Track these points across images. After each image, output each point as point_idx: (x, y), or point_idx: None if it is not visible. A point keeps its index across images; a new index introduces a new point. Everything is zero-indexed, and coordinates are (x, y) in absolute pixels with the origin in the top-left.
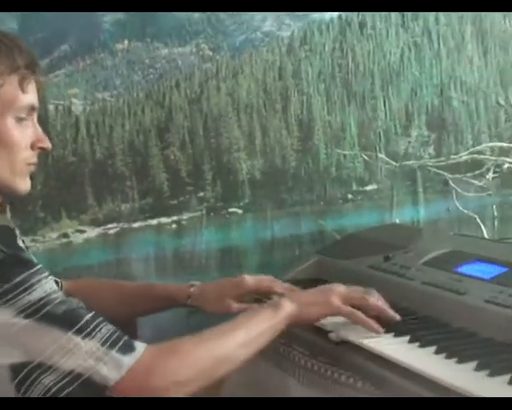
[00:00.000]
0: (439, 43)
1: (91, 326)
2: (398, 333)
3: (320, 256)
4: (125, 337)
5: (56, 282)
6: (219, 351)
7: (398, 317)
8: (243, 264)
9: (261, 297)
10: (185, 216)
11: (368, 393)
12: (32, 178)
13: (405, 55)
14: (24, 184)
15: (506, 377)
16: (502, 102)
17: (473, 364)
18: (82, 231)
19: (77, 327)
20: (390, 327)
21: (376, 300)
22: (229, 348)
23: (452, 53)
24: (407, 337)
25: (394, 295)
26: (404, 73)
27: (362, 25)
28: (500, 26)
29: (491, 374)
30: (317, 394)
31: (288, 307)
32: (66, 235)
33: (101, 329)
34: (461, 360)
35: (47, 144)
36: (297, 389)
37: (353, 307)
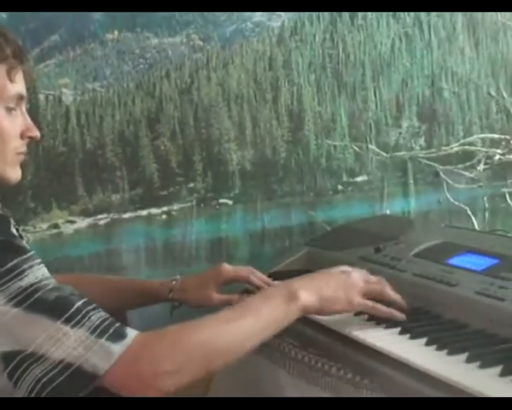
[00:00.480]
0: (430, 34)
1: (81, 314)
2: (389, 325)
3: (310, 248)
4: (116, 325)
5: None
6: (220, 339)
7: (405, 317)
8: (233, 255)
9: (252, 289)
10: (175, 207)
11: (358, 385)
12: (22, 168)
13: (396, 46)
14: (14, 174)
15: (497, 369)
16: (493, 93)
17: (464, 355)
18: (72, 222)
19: (66, 316)
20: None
21: (392, 291)
22: (233, 336)
23: (443, 44)
24: (398, 329)
25: None
26: (395, 63)
27: (352, 15)
28: (491, 18)
29: (482, 366)
30: (307, 385)
31: (305, 300)
32: (56, 225)
33: (90, 317)
34: (452, 352)
35: (36, 133)
36: (287, 381)
37: (371, 298)
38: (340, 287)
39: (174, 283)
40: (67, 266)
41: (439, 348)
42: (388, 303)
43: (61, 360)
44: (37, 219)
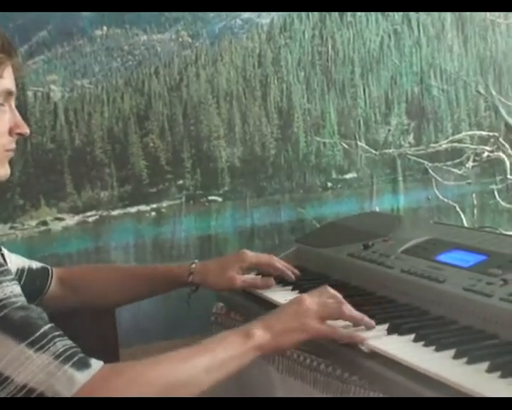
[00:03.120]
0: (419, 32)
1: (46, 339)
2: (378, 321)
3: (299, 245)
4: (81, 354)
5: (46, 269)
6: (175, 376)
7: (374, 324)
8: (223, 252)
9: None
10: (164, 204)
11: (346, 381)
12: (10, 165)
13: (385, 43)
14: (3, 171)
15: (484, 365)
16: (481, 90)
17: (451, 352)
18: (61, 219)
19: (31, 339)
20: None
21: (351, 309)
22: (188, 372)
23: (432, 41)
24: (386, 325)
25: (373, 283)
26: (384, 60)
27: (342, 13)
28: (480, 15)
29: (470, 362)
30: (295, 382)
31: (259, 338)
32: (45, 223)
33: (55, 343)
34: (439, 348)
35: (25, 130)
36: (276, 377)
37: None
38: (290, 317)
39: (194, 266)
40: (56, 264)
41: (427, 345)
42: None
43: (25, 385)
44: (26, 217)
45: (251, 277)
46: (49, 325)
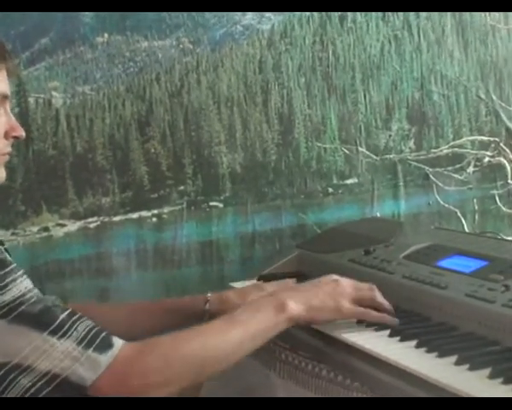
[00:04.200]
0: (419, 37)
1: (67, 325)
2: (379, 327)
3: (300, 250)
4: (103, 334)
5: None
6: (210, 349)
7: (397, 321)
8: (224, 257)
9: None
10: (166, 210)
11: (348, 387)
12: (12, 171)
13: (386, 49)
14: None
15: (486, 371)
16: (482, 95)
17: (453, 358)
18: (62, 225)
19: (52, 327)
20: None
21: (381, 296)
22: (222, 346)
23: (433, 46)
24: (388, 331)
25: None
26: (385, 66)
27: (342, 18)
28: (480, 20)
29: (472, 368)
30: (297, 388)
31: (294, 310)
32: (46, 229)
33: (77, 327)
34: (441, 354)
35: (21, 133)
36: (277, 383)
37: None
38: (328, 295)
39: (210, 295)
40: (58, 270)
41: (429, 351)
42: (379, 310)
43: (48, 371)
44: (28, 223)
45: None
46: (67, 311)
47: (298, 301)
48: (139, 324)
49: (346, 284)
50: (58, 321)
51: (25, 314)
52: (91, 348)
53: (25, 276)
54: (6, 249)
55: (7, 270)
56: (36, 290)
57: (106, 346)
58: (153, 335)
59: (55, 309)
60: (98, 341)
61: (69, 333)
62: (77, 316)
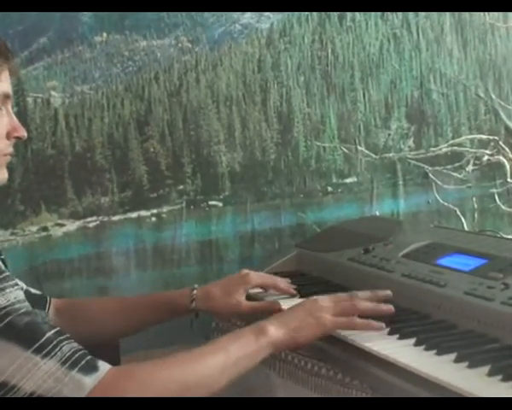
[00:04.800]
0: (418, 36)
1: (52, 344)
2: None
3: (300, 249)
4: (88, 357)
5: (44, 297)
6: (190, 375)
7: (392, 308)
8: (223, 257)
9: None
10: (165, 209)
11: (347, 385)
12: (11, 171)
13: (385, 48)
14: (1, 175)
15: (485, 369)
16: (481, 94)
17: (452, 356)
18: (61, 225)
19: (37, 345)
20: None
21: (365, 302)
22: (203, 372)
23: (432, 45)
24: (387, 330)
25: (374, 287)
26: (384, 65)
27: (341, 17)
28: (479, 19)
29: (471, 366)
30: (296, 387)
31: (274, 334)
32: (45, 228)
33: (62, 347)
34: (440, 352)
35: (23, 133)
36: (277, 382)
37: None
38: (307, 313)
39: (195, 292)
40: (57, 269)
41: (428, 349)
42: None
43: (33, 392)
44: (27, 222)
45: (257, 303)
46: (55, 330)
47: (277, 326)
48: (128, 318)
49: (324, 298)
50: (44, 339)
51: (11, 326)
52: (75, 369)
53: (17, 287)
54: (2, 259)
55: None
56: (26, 303)
57: (91, 368)
58: (140, 329)
59: (43, 326)
60: (83, 362)
61: (53, 353)
62: (64, 336)
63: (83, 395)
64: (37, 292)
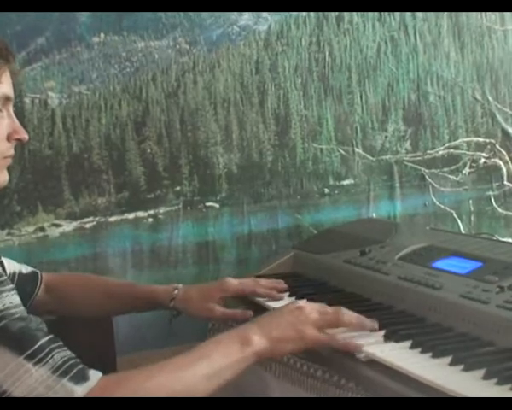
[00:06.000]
0: (415, 38)
1: (45, 352)
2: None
3: (296, 251)
4: (80, 366)
5: (36, 274)
6: (175, 384)
7: (376, 325)
8: (220, 258)
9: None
10: (162, 210)
11: (343, 387)
12: (8, 171)
13: (382, 50)
14: (2, 177)
15: (481, 372)
16: (478, 97)
17: (448, 359)
18: (58, 225)
19: (29, 352)
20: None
21: (349, 316)
22: (188, 381)
23: (429, 48)
24: (382, 332)
25: (370, 289)
26: (381, 67)
27: (339, 19)
28: (476, 21)
29: (466, 369)
30: (292, 388)
31: (257, 344)
32: (42, 229)
33: (54, 355)
34: (436, 355)
35: (24, 135)
36: (272, 383)
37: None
38: (290, 325)
39: (176, 292)
40: (53, 270)
41: (424, 351)
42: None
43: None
44: (23, 223)
45: (230, 310)
46: (48, 337)
47: (261, 336)
48: (110, 302)
49: (310, 309)
50: (37, 346)
51: (4, 331)
52: (66, 378)
53: (14, 291)
54: (1, 262)
55: None
56: (22, 308)
57: (81, 377)
58: (121, 313)
59: (37, 333)
60: (74, 371)
61: (45, 360)
62: (57, 344)
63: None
64: (29, 270)
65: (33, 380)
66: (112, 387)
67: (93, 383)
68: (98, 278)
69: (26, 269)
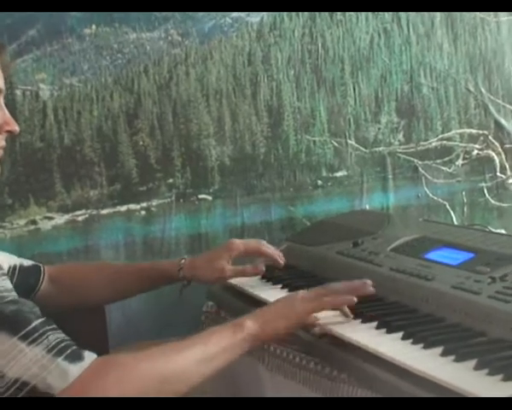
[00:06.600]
0: (408, 30)
1: (39, 333)
2: (366, 319)
3: (290, 243)
4: (74, 347)
5: (38, 267)
6: (168, 369)
7: (368, 282)
8: None
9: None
10: (154, 203)
11: (335, 379)
12: (0, 163)
13: (375, 42)
14: None
15: (472, 363)
16: (471, 88)
17: (439, 349)
18: (50, 218)
19: (23, 332)
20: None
21: (337, 285)
22: (181, 365)
23: (422, 39)
24: (375, 323)
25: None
26: (374, 59)
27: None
28: (470, 13)
29: (457, 359)
30: (285, 380)
31: (250, 328)
32: (34, 222)
33: (48, 336)
34: (427, 346)
35: (15, 127)
36: (265, 375)
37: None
38: (281, 303)
39: (183, 261)
40: (46, 263)
41: (415, 342)
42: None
43: (18, 379)
44: (15, 216)
45: (240, 267)
46: (41, 319)
47: (254, 320)
48: (118, 286)
49: (305, 291)
50: (30, 327)
51: None
52: (61, 357)
53: (5, 277)
54: None
55: None
56: (13, 293)
57: (76, 357)
58: (126, 296)
59: (30, 315)
60: (69, 351)
61: (39, 340)
62: (50, 326)
63: (67, 383)
64: (30, 263)
65: (28, 360)
66: (106, 367)
67: (87, 364)
68: (102, 262)
69: (27, 262)
